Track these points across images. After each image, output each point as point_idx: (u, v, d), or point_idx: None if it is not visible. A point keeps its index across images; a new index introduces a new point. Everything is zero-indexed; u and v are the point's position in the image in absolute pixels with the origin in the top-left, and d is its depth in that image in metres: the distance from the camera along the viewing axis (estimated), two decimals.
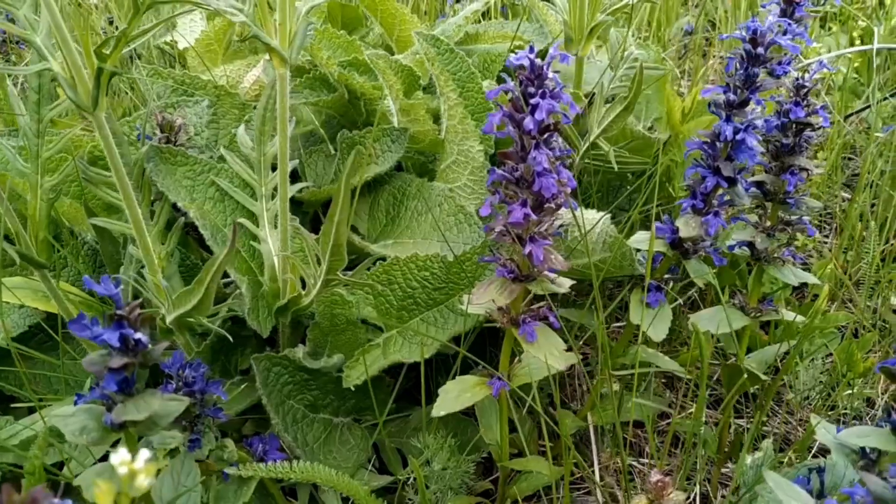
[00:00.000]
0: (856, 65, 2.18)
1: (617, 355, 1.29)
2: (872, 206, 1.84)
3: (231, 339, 1.12)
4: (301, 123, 1.65)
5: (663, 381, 1.58)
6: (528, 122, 0.93)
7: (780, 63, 1.58)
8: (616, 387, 1.35)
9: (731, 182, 1.10)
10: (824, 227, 1.98)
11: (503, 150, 0.98)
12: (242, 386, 1.15)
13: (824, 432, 0.98)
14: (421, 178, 1.44)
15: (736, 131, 1.06)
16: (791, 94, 1.21)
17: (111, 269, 1.28)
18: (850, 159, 2.17)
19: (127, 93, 1.91)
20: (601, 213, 1.21)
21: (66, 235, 1.38)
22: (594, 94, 1.48)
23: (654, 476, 1.05)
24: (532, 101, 0.93)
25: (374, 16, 1.81)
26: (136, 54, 2.15)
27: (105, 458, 1.21)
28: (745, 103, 1.06)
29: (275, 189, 1.24)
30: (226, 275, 1.23)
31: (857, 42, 2.15)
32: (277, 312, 1.18)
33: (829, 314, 1.53)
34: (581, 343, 1.54)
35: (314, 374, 1.22)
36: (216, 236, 1.19)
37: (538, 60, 0.95)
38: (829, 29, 2.26)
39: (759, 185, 1.26)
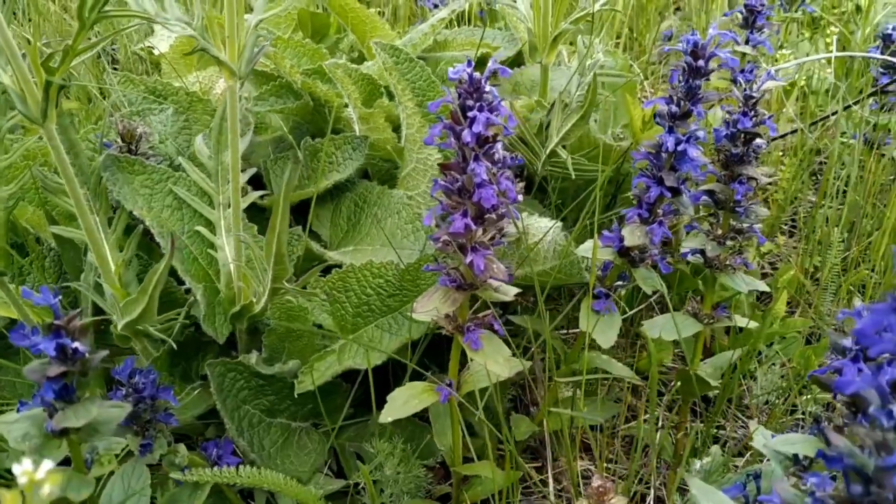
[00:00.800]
0: (828, 70, 2.20)
1: (571, 361, 1.31)
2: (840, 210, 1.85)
3: (176, 345, 1.14)
4: (270, 130, 1.67)
5: (629, 385, 1.59)
6: (467, 135, 0.95)
7: (742, 71, 1.60)
8: (569, 392, 1.37)
9: (675, 192, 1.12)
10: (795, 233, 2.00)
11: (444, 162, 0.99)
12: (195, 391, 1.17)
13: (760, 438, 1.00)
14: (384, 185, 1.45)
15: (678, 142, 1.08)
16: (740, 105, 1.23)
17: (73, 276, 1.30)
18: (825, 163, 2.18)
19: (100, 99, 1.93)
20: (552, 222, 1.23)
21: (31, 243, 1.40)
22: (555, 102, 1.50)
23: (596, 481, 1.06)
24: (470, 113, 0.95)
25: (345, 23, 1.83)
26: (114, 60, 2.18)
27: (65, 462, 1.23)
28: (687, 115, 1.08)
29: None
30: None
31: (831, 48, 2.16)
32: (233, 319, 1.20)
33: (788, 320, 1.55)
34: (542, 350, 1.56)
35: (269, 379, 1.24)
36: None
37: (476, 74, 0.96)
38: (801, 35, 2.27)
39: (709, 193, 1.27)
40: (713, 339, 1.66)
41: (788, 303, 1.76)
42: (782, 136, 1.82)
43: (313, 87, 1.46)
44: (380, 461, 1.19)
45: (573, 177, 1.37)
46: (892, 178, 1.84)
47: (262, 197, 1.48)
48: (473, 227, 0.99)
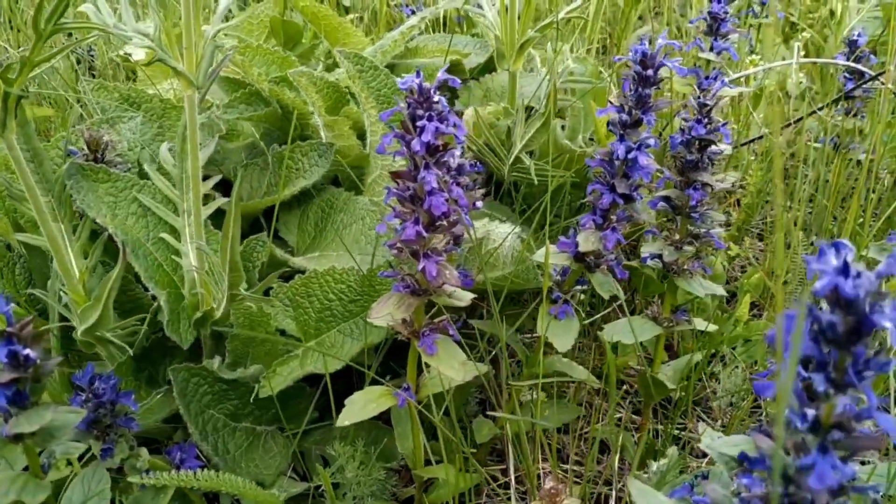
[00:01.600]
0: (801, 74, 2.22)
1: (532, 365, 1.32)
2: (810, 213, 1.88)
3: (143, 350, 1.16)
4: (242, 136, 1.69)
5: (599, 388, 1.61)
6: (416, 144, 0.97)
7: (707, 77, 1.62)
8: (533, 395, 1.39)
9: (628, 199, 1.14)
10: (764, 236, 2.02)
11: (396, 170, 1.01)
12: (157, 396, 1.19)
13: (706, 440, 1.02)
14: (352, 191, 1.47)
15: (628, 150, 1.10)
16: (695, 112, 1.25)
17: (40, 283, 1.32)
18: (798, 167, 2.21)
19: (75, 106, 1.94)
20: (510, 227, 1.24)
21: (1, 249, 1.41)
22: (522, 109, 1.52)
23: (548, 483, 1.08)
24: (419, 123, 0.97)
25: (318, 30, 1.85)
26: (91, 67, 2.19)
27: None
28: (637, 123, 1.10)
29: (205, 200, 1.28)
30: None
31: (803, 53, 2.18)
32: (196, 324, 1.22)
33: (752, 323, 1.57)
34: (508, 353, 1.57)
35: (233, 384, 1.25)
36: (137, 251, 1.22)
37: (426, 84, 0.98)
38: (773, 41, 2.29)
39: (666, 199, 1.29)
40: (681, 341, 1.69)
41: (757, 305, 1.78)
42: (751, 141, 1.84)
43: (281, 95, 1.48)
44: (340, 464, 1.20)
45: (535, 182, 1.39)
46: (855, 180, 1.86)
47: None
48: (425, 233, 1.01)
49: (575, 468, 1.47)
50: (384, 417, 1.34)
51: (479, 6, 1.64)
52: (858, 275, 0.62)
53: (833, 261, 0.62)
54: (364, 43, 1.82)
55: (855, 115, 1.88)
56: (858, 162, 1.89)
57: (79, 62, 2.30)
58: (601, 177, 1.16)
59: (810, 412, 0.67)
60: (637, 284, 1.58)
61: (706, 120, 1.23)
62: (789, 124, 1.80)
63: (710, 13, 1.61)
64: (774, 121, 1.79)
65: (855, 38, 1.82)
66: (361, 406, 1.13)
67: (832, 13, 2.56)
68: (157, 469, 1.14)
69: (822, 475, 0.65)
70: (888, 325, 0.61)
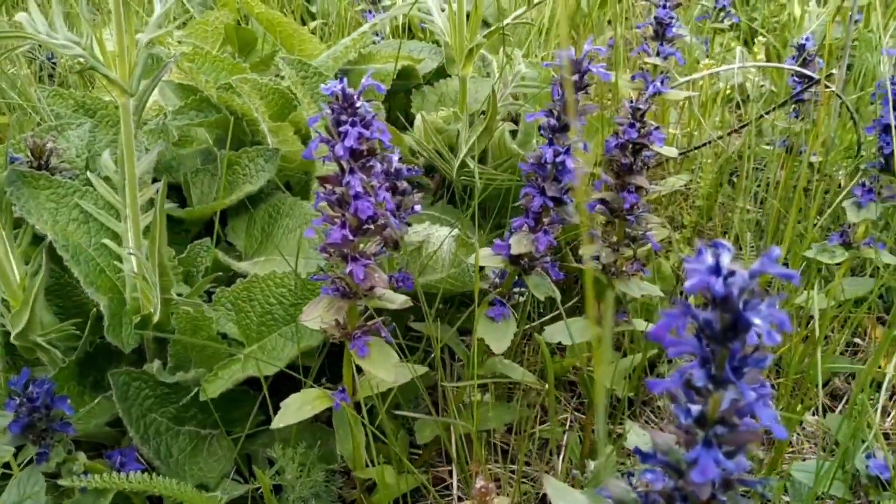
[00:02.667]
0: (757, 77, 2.25)
1: (473, 367, 1.34)
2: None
3: (88, 355, 1.17)
4: (196, 142, 1.71)
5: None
6: (339, 149, 0.99)
7: (652, 83, 1.64)
8: (478, 397, 1.40)
9: (558, 202, 1.16)
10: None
11: (322, 175, 1.03)
12: (96, 401, 1.20)
13: (632, 437, 1.03)
14: (300, 196, 1.49)
15: (556, 154, 1.11)
16: (628, 116, 1.27)
17: None
18: (759, 170, 2.23)
19: (32, 113, 1.95)
20: (447, 230, 1.26)
21: None
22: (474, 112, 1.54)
23: (478, 482, 1.10)
24: (341, 128, 0.99)
25: (273, 36, 1.86)
26: (49, 74, 2.20)
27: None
28: (565, 128, 1.12)
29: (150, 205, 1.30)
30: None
31: (759, 57, 2.21)
32: (137, 328, 1.23)
33: None
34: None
35: (174, 388, 1.26)
36: (77, 257, 1.23)
37: (350, 90, 1.00)
38: (729, 46, 2.32)
39: (603, 202, 1.31)
40: (632, 341, 1.70)
41: None
42: (703, 145, 1.86)
43: (230, 101, 1.50)
44: (280, 466, 1.22)
45: (479, 186, 1.41)
46: (807, 181, 1.88)
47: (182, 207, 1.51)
48: (351, 237, 1.03)
49: (525, 469, 1.49)
50: (329, 420, 1.35)
51: (430, 13, 1.65)
52: (732, 273, 0.63)
53: (708, 260, 0.64)
54: (320, 49, 1.84)
55: (804, 119, 1.90)
56: (811, 164, 1.92)
57: (41, 69, 2.30)
58: (533, 180, 1.18)
59: (695, 408, 0.69)
60: (585, 286, 1.60)
61: (639, 124, 1.25)
62: (739, 128, 1.82)
63: (655, 18, 1.63)
64: (724, 124, 1.82)
65: (803, 42, 1.85)
66: (297, 408, 1.14)
67: (793, 18, 2.59)
68: (96, 472, 1.15)
69: (704, 469, 0.67)
70: (758, 321, 0.63)
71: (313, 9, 2.83)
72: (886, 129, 1.41)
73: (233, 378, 1.25)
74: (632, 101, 1.26)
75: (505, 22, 1.59)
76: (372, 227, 1.04)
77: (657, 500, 0.74)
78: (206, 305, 1.28)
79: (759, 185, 1.92)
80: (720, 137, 1.84)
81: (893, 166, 1.45)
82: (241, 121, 1.56)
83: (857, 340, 1.72)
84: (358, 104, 0.99)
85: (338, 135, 0.99)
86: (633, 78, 1.66)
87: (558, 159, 1.11)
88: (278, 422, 1.13)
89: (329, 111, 1.00)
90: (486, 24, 2.66)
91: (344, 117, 1.00)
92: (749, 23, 2.61)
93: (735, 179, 1.95)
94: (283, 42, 1.87)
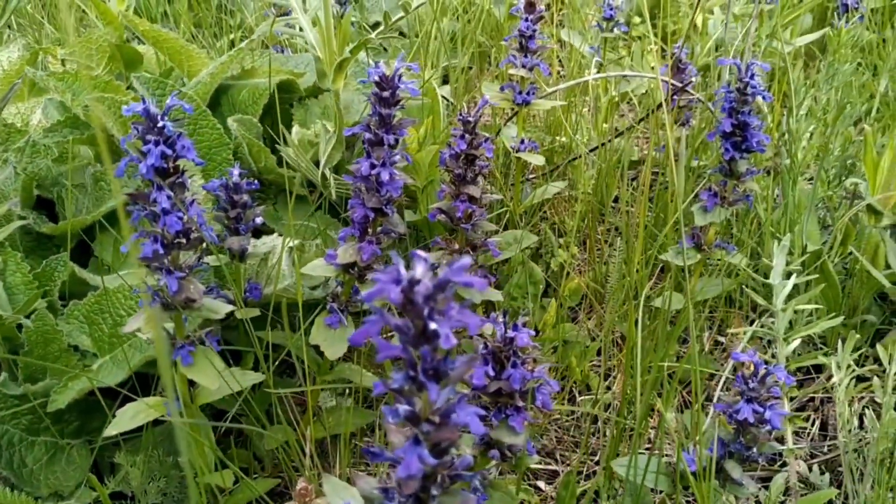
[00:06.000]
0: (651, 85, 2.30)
1: (323, 373, 1.38)
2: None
3: None
4: (77, 159, 1.74)
5: None
6: (142, 167, 1.03)
7: (519, 93, 1.69)
8: (332, 402, 1.45)
9: (380, 213, 1.20)
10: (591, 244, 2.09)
11: (130, 192, 1.07)
12: None
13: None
14: None
15: (372, 167, 1.16)
16: (461, 128, 1.32)
17: None
18: (659, 174, 2.29)
19: None
20: (289, 242, 1.31)
21: None
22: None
23: (300, 483, 1.14)
24: (145, 147, 1.03)
25: (162, 53, 1.90)
26: None
27: None
28: (380, 142, 1.16)
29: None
30: None
31: (653, 65, 2.27)
32: None
33: (559, 325, 1.64)
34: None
35: (24, 399, 1.30)
36: None
37: (154, 109, 1.04)
38: (605, 55, 2.38)
39: (442, 211, 1.36)
40: None
41: (583, 310, 1.86)
42: (576, 158, 1.92)
43: (97, 119, 1.54)
44: (123, 473, 1.26)
45: (334, 197, 1.45)
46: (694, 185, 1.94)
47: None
48: (162, 251, 1.07)
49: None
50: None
51: (301, 28, 1.70)
52: (417, 282, 0.68)
53: (401, 270, 0.69)
54: (206, 64, 1.88)
55: (683, 125, 1.96)
56: (692, 169, 1.98)
57: None
58: (357, 192, 1.22)
59: (403, 408, 0.73)
60: None
61: (469, 136, 1.30)
62: (617, 135, 1.88)
63: (519, 31, 1.68)
64: (600, 133, 1.88)
65: (675, 50, 1.91)
66: (131, 416, 1.19)
67: (695, 26, 2.66)
68: None
69: (408, 465, 0.72)
70: (433, 326, 0.67)
71: (232, 21, 2.87)
72: (725, 135, 1.47)
73: (83, 389, 1.29)
74: (461, 115, 1.31)
75: (373, 35, 1.64)
76: (184, 240, 1.09)
77: (393, 496, 0.79)
78: (57, 319, 1.32)
79: (635, 190, 1.98)
80: (593, 150, 1.89)
81: (735, 171, 1.50)
82: (113, 138, 1.60)
83: (721, 339, 1.78)
84: (161, 124, 1.04)
85: (142, 154, 1.04)
86: (501, 89, 1.71)
87: (374, 171, 1.16)
88: (112, 429, 1.17)
89: (134, 131, 1.04)
90: (402, 34, 2.71)
91: (150, 136, 1.04)
92: (652, 30, 2.67)
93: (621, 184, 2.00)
94: (171, 58, 1.91)
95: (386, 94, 1.15)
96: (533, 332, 0.99)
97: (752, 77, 1.43)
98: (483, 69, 2.71)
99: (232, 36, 2.68)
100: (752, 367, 1.12)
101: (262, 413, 1.43)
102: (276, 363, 1.36)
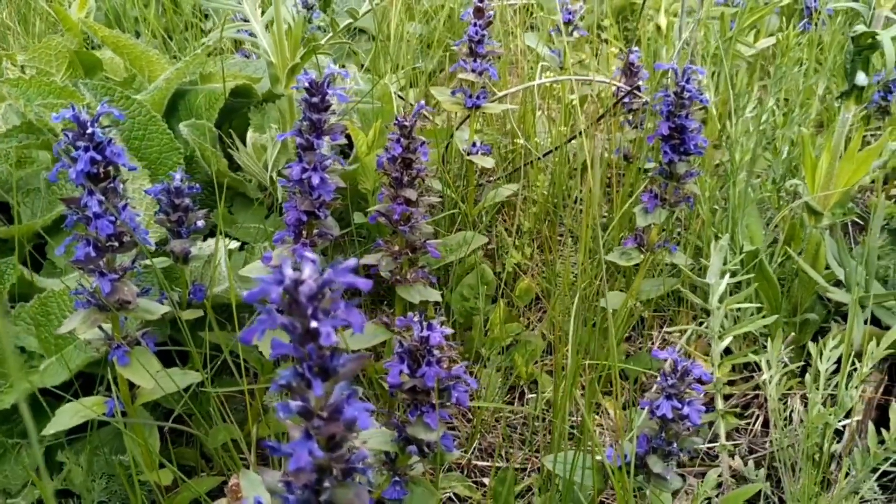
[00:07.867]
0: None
1: (267, 371, 1.41)
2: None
3: None
4: (36, 164, 1.77)
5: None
6: (72, 173, 1.06)
7: (471, 97, 1.72)
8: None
9: (312, 216, 1.23)
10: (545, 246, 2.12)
11: (64, 197, 1.10)
12: None
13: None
14: None
15: (303, 171, 1.19)
16: (397, 132, 1.35)
17: None
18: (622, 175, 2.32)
19: None
20: (230, 244, 1.34)
21: None
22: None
23: (233, 479, 1.17)
24: (74, 154, 1.06)
25: (122, 58, 1.93)
26: None
27: None
28: (311, 146, 1.19)
29: None
30: None
31: (613, 67, 2.30)
32: None
33: (506, 325, 1.67)
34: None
35: None
36: None
37: (85, 116, 1.07)
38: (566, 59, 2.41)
39: (381, 214, 1.39)
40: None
41: (534, 311, 1.89)
42: (530, 163, 1.95)
43: (49, 125, 1.57)
44: (66, 472, 1.29)
45: (279, 199, 1.48)
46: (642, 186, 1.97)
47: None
48: (94, 254, 1.10)
49: None
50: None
51: (255, 34, 1.73)
52: (301, 283, 0.71)
53: (285, 271, 0.72)
54: (166, 69, 1.91)
55: (636, 127, 1.99)
56: (646, 171, 2.01)
57: None
58: (291, 196, 1.25)
59: (294, 403, 0.76)
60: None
61: (406, 140, 1.33)
62: (571, 139, 1.91)
63: (468, 36, 1.71)
64: (557, 135, 1.91)
65: (629, 53, 1.94)
66: (70, 415, 1.22)
67: (659, 28, 2.69)
68: None
69: (298, 458, 0.74)
70: (315, 324, 0.70)
71: (204, 27, 2.91)
72: (664, 137, 1.50)
73: (26, 389, 1.32)
74: (398, 119, 1.34)
75: (324, 41, 1.67)
76: (117, 244, 1.11)
77: (294, 488, 0.82)
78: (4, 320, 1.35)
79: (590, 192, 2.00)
80: (547, 153, 1.92)
81: (675, 173, 1.53)
82: None
83: (671, 338, 1.81)
84: (90, 130, 1.07)
85: (72, 160, 1.06)
86: (452, 93, 1.75)
87: (304, 175, 1.19)
88: (49, 428, 1.20)
89: (65, 137, 1.07)
90: (373, 38, 2.74)
91: (80, 143, 1.07)
92: (620, 34, 2.70)
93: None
94: (132, 64, 1.94)
95: (315, 99, 1.18)
96: (448, 332, 1.02)
97: (687, 81, 1.46)
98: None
99: (203, 41, 2.71)
100: (672, 364, 1.15)
101: (215, 412, 1.46)
102: (220, 363, 1.39)
